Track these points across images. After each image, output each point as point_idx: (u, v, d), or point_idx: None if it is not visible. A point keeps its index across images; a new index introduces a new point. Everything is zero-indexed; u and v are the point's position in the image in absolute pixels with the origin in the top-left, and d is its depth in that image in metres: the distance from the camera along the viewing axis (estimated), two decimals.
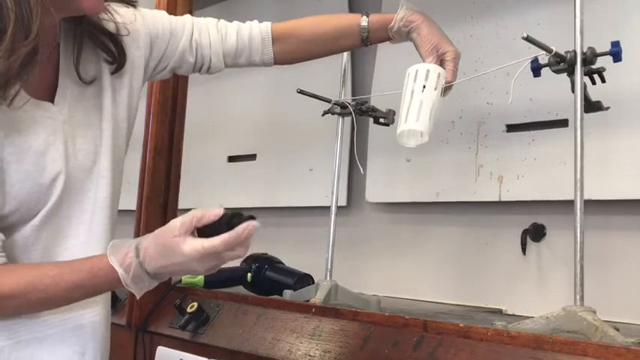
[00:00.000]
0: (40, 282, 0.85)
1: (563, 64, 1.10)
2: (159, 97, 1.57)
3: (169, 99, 1.58)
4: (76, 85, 0.97)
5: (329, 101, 1.50)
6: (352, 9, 2.06)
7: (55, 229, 0.93)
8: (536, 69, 1.13)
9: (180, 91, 1.60)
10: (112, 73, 1.02)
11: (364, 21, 1.20)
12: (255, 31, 1.20)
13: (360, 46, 1.24)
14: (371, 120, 1.51)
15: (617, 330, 0.96)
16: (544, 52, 1.10)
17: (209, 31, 1.16)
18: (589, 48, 1.09)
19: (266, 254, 1.64)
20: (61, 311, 0.93)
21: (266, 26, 1.21)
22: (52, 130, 0.92)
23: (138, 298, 0.90)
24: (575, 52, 1.09)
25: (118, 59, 1.01)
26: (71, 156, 0.93)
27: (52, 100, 0.94)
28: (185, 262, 0.83)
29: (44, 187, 0.90)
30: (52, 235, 0.93)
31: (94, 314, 0.97)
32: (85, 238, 0.95)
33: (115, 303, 1.62)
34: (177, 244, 0.83)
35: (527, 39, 1.08)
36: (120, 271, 0.85)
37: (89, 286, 0.87)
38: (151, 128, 1.57)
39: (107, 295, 1.01)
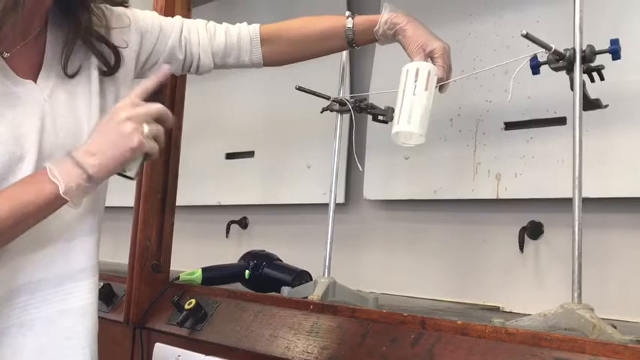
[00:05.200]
0: None
1: (562, 61, 1.10)
2: None
3: (167, 97, 1.58)
4: (60, 70, 0.98)
5: (328, 98, 1.50)
6: (350, 8, 2.05)
7: None
8: (535, 66, 1.13)
9: (179, 88, 1.60)
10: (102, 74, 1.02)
11: (349, 23, 1.19)
12: (243, 32, 1.22)
13: (348, 48, 1.24)
14: (369, 117, 1.50)
15: (615, 327, 0.96)
16: (543, 50, 1.10)
17: (198, 30, 1.19)
18: (588, 46, 1.09)
19: (264, 251, 1.64)
20: (41, 296, 0.92)
21: (254, 27, 1.23)
22: (30, 106, 0.93)
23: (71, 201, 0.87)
24: (574, 49, 1.09)
25: (112, 67, 1.02)
26: (49, 132, 0.94)
27: (34, 80, 0.95)
28: (114, 121, 0.87)
29: (16, 158, 0.89)
30: None
31: (79, 298, 0.96)
32: (66, 219, 0.94)
33: (113, 300, 1.61)
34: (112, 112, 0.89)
35: (527, 36, 1.08)
36: (48, 165, 0.86)
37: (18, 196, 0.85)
38: None
39: (94, 282, 1.00)
